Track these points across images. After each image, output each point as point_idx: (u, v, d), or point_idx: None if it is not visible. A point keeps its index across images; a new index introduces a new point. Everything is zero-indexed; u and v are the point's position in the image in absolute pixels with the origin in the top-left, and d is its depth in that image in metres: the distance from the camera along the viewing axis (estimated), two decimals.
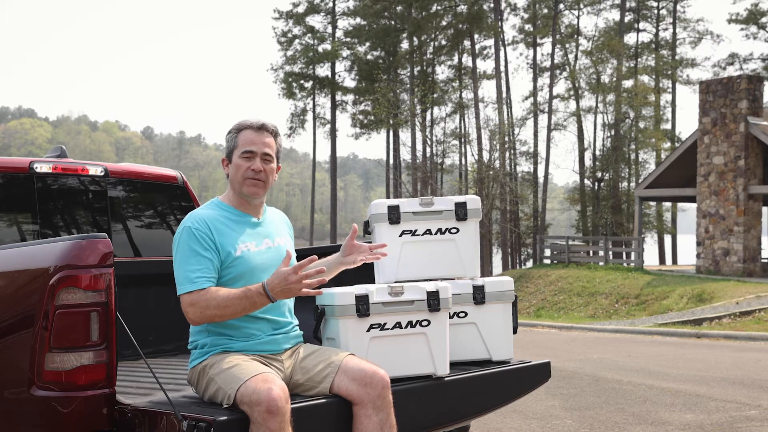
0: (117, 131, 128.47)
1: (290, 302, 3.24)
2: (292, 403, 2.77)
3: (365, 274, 3.74)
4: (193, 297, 2.95)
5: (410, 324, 3.28)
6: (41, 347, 2.72)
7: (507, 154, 39.25)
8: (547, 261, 30.92)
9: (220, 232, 3.07)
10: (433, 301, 3.29)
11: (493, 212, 37.86)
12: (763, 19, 44.10)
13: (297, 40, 49.62)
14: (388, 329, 3.25)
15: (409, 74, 46.10)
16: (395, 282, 3.51)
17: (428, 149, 44.40)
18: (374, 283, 3.62)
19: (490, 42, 45.29)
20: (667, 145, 42.76)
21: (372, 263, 3.69)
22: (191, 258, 3.00)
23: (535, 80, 45.19)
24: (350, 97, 50.22)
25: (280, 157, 3.26)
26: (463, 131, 44.03)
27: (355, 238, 3.38)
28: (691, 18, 51.88)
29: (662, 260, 42.21)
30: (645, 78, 44.35)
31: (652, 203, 39.56)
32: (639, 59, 45.45)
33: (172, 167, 5.98)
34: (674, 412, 6.65)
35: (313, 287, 2.93)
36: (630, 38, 44.96)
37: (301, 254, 3.79)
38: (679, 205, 41.23)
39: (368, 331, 3.23)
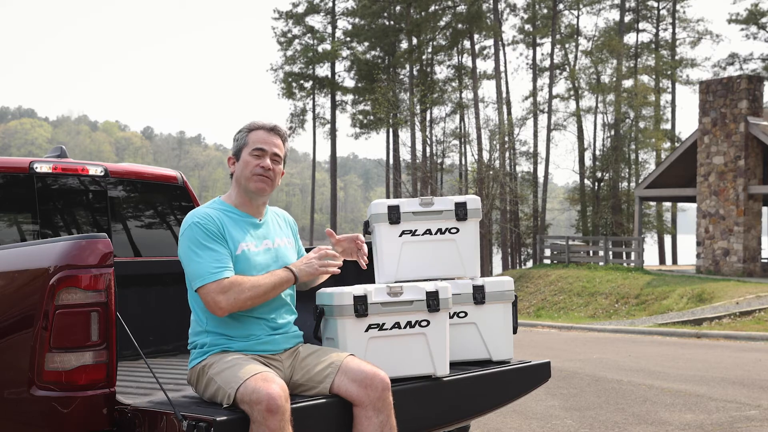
0: (117, 131, 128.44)
1: (290, 302, 3.25)
2: (292, 403, 2.77)
3: (366, 273, 3.74)
4: (223, 285, 2.96)
5: (409, 324, 3.26)
6: (41, 347, 2.72)
7: (507, 154, 39.25)
8: (547, 261, 30.90)
9: (225, 226, 3.10)
10: (433, 301, 3.28)
11: (493, 212, 37.87)
12: (763, 19, 44.09)
13: (297, 40, 49.63)
14: (386, 329, 3.24)
15: (408, 74, 46.09)
16: (395, 282, 3.51)
17: (428, 149, 44.40)
18: (375, 283, 3.61)
19: (490, 42, 45.31)
20: (667, 145, 42.77)
21: (372, 263, 3.70)
22: (205, 252, 3.01)
23: (534, 80, 45.19)
24: (350, 97, 50.22)
25: (286, 161, 3.30)
26: (463, 131, 44.04)
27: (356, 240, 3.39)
28: (691, 18, 51.74)
29: (662, 260, 42.22)
30: (645, 78, 44.34)
31: (652, 203, 39.56)
32: (639, 59, 45.45)
33: (172, 167, 5.99)
34: (674, 412, 6.65)
35: (331, 267, 3.13)
36: (630, 38, 44.98)
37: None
38: (679, 205, 41.23)
39: (366, 331, 3.22)
